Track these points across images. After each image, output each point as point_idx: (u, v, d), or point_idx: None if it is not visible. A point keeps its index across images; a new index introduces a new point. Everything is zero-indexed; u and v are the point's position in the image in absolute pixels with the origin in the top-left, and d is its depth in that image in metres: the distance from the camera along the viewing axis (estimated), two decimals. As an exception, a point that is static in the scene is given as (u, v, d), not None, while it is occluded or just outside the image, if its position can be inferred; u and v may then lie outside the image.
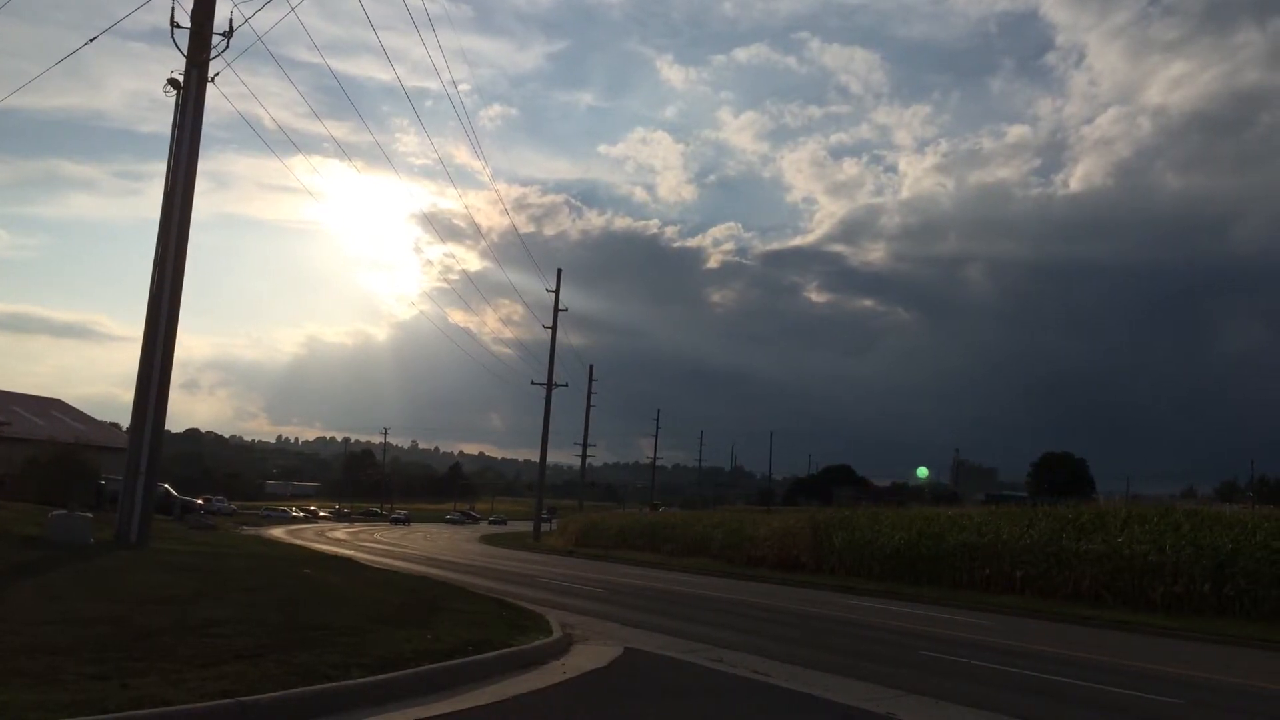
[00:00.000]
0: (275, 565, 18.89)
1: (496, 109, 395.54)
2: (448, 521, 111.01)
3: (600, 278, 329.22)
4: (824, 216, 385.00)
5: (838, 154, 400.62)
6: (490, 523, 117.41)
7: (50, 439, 42.39)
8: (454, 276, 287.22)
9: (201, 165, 20.69)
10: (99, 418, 63.47)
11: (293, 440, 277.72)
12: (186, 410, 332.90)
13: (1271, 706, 12.12)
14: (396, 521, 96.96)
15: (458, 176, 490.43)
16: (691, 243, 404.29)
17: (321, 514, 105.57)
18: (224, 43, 19.93)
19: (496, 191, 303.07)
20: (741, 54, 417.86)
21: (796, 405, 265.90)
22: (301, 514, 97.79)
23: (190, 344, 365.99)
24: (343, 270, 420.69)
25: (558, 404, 66.23)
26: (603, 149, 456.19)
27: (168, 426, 21.06)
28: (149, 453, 19.14)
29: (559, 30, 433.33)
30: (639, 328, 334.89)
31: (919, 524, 32.61)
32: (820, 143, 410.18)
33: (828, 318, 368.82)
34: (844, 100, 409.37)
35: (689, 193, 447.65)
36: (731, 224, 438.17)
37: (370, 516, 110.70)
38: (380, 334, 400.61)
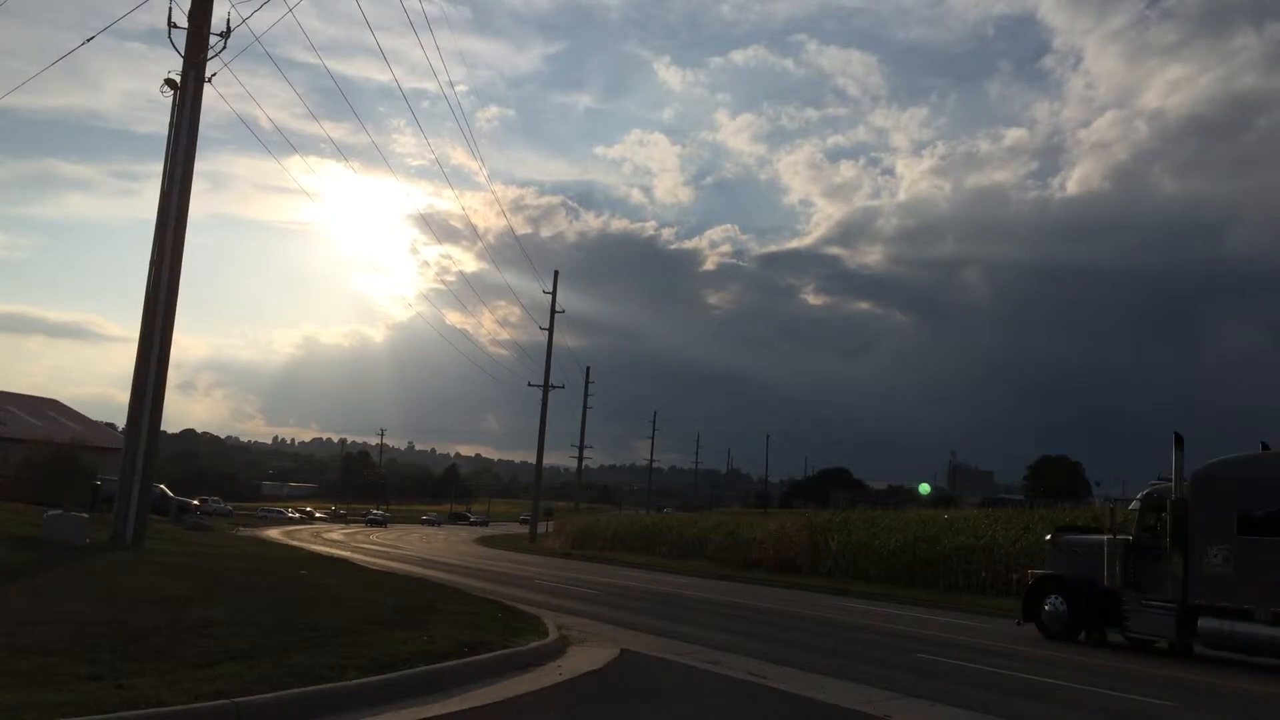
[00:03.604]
0: (271, 566, 18.86)
1: (494, 110, 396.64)
2: (424, 522, 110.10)
3: (597, 279, 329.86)
4: (821, 219, 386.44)
5: (835, 156, 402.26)
6: (472, 523, 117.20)
7: (46, 439, 42.26)
8: (451, 278, 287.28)
9: (198, 166, 20.71)
10: (95, 418, 63.42)
11: (289, 441, 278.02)
12: (183, 411, 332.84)
13: (1267, 710, 12.16)
14: (374, 523, 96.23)
15: (455, 177, 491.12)
16: (688, 244, 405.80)
17: (318, 515, 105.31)
18: (221, 43, 19.94)
19: (493, 193, 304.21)
20: (739, 56, 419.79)
21: (793, 408, 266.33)
22: (298, 515, 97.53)
23: (186, 344, 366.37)
24: (339, 271, 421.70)
25: (555, 406, 66.33)
26: (600, 150, 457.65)
27: (164, 427, 21.05)
28: (145, 453, 19.11)
29: (557, 32, 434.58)
30: (636, 330, 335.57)
31: (915, 527, 32.65)
32: (817, 145, 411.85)
33: (824, 320, 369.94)
34: (841, 103, 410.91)
35: (686, 194, 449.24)
36: (728, 226, 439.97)
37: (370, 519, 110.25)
38: (377, 335, 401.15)
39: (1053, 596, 18.54)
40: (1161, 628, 16.92)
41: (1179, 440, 17.17)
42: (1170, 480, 17.22)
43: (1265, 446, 16.87)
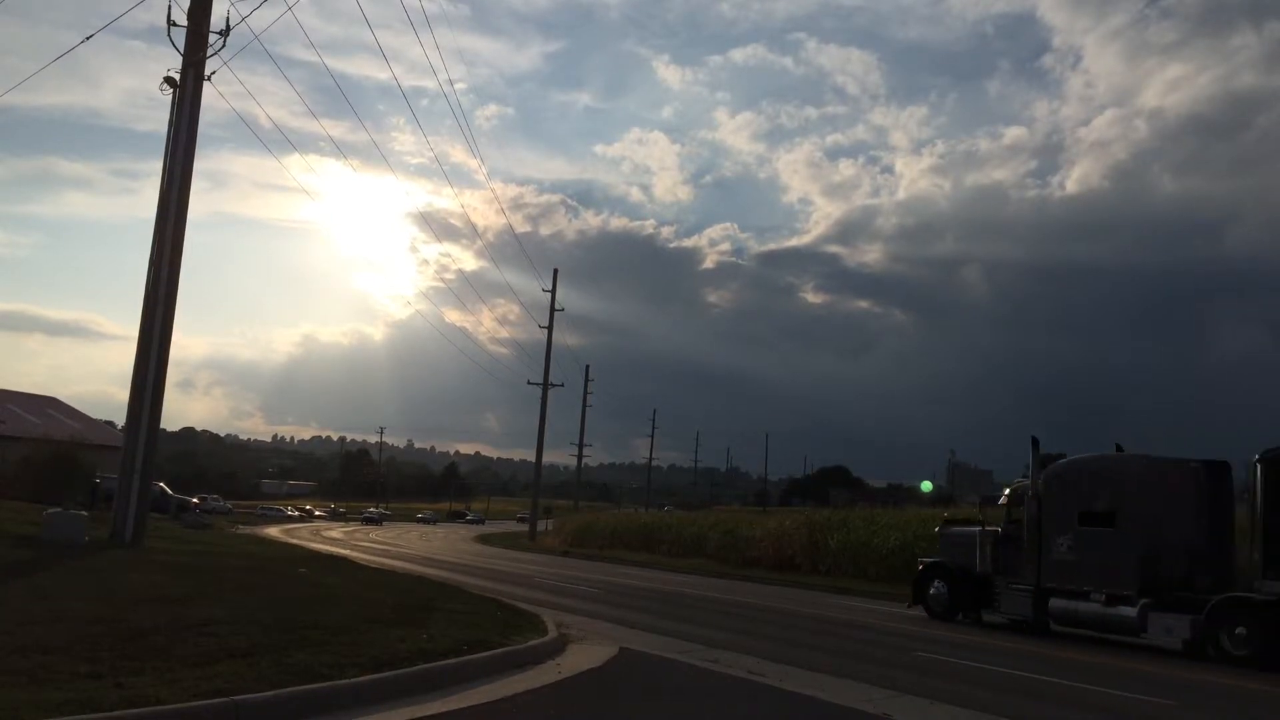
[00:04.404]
0: (270, 565, 18.85)
1: (493, 108, 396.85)
2: (419, 520, 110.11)
3: (596, 278, 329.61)
4: (820, 217, 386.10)
5: (834, 155, 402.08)
6: (468, 521, 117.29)
7: (45, 437, 42.24)
8: (450, 276, 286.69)
9: (197, 164, 20.68)
10: (94, 416, 63.39)
11: (288, 439, 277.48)
12: (182, 409, 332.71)
13: (1268, 710, 12.17)
14: (369, 521, 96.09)
15: (454, 176, 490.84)
16: (688, 243, 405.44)
17: (317, 513, 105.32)
18: (220, 41, 19.90)
19: (493, 191, 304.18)
20: (738, 54, 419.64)
21: (792, 406, 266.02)
22: (297, 513, 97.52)
23: (186, 343, 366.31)
24: (339, 269, 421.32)
25: (554, 404, 66.29)
26: (599, 149, 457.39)
27: (163, 425, 21.01)
28: (144, 451, 19.09)
29: (556, 30, 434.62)
30: (635, 328, 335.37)
31: (914, 525, 32.59)
32: (816, 144, 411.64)
33: (824, 319, 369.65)
34: (840, 101, 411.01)
35: (685, 193, 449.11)
36: (727, 224, 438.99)
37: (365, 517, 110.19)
38: (376, 333, 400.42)
39: (937, 581, 20.83)
40: (1022, 608, 18.99)
41: (1035, 443, 19.40)
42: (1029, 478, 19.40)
43: (1119, 448, 18.87)
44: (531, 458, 68.09)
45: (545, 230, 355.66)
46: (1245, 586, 16.21)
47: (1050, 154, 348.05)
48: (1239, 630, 15.62)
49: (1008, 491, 20.92)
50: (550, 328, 63.43)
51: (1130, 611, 17.02)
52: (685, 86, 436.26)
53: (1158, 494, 17.76)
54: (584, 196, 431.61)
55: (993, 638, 17.58)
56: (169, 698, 6.37)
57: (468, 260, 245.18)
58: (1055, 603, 18.30)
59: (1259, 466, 16.32)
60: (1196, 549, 17.40)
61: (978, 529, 20.53)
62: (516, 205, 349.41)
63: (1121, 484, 17.91)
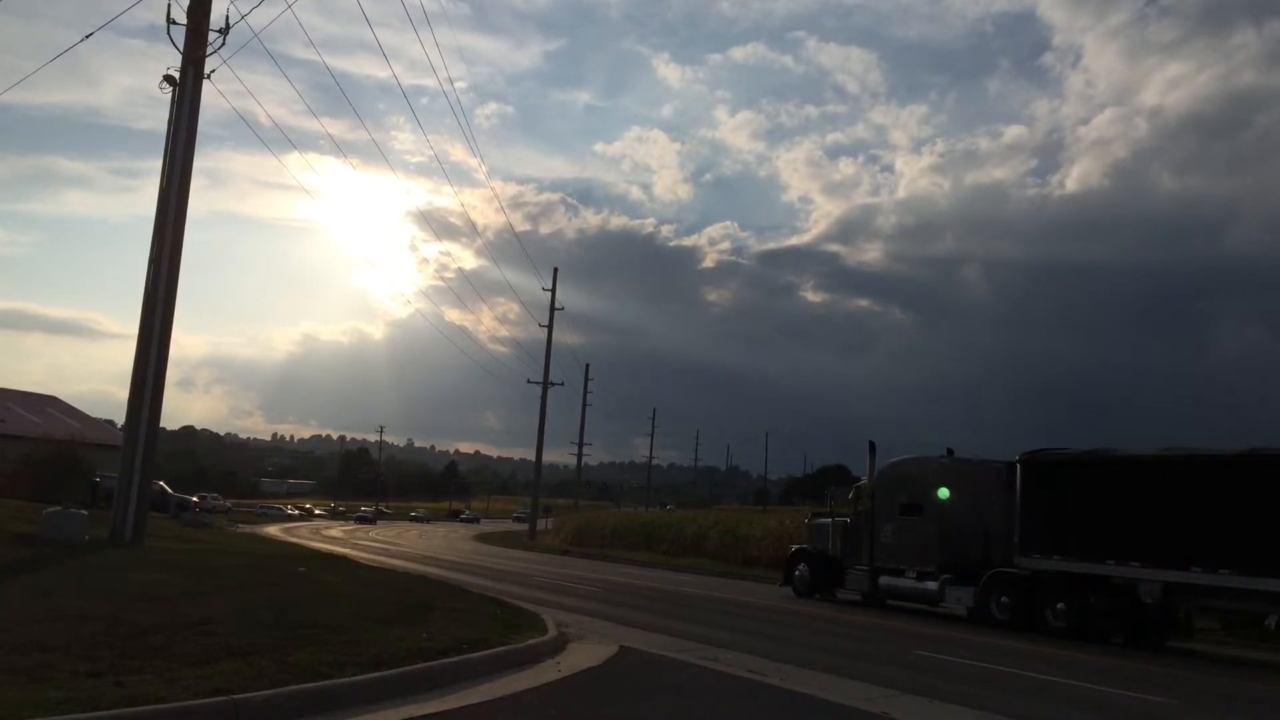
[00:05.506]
0: (270, 563, 18.85)
1: (493, 107, 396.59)
2: (413, 519, 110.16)
3: (596, 276, 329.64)
4: (820, 216, 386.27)
5: (834, 154, 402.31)
6: (463, 519, 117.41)
7: (45, 436, 42.26)
8: (450, 275, 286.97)
9: (197, 162, 20.65)
10: (94, 415, 63.33)
11: (288, 438, 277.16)
12: (182, 408, 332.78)
13: (1269, 710, 12.18)
14: (363, 520, 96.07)
15: (454, 174, 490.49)
16: (687, 242, 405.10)
17: (317, 512, 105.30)
18: (220, 39, 19.86)
19: (492, 189, 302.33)
20: (738, 53, 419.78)
21: (792, 405, 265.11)
22: (297, 512, 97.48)
23: (185, 341, 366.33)
24: (338, 268, 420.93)
25: (554, 403, 66.23)
26: (599, 147, 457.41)
27: (163, 424, 20.99)
28: (144, 450, 19.07)
29: (556, 29, 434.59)
30: (635, 327, 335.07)
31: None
32: (816, 142, 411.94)
33: (823, 318, 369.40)
34: (840, 100, 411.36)
35: (685, 192, 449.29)
36: (727, 223, 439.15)
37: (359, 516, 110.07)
38: (376, 332, 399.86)
39: (801, 565, 24.24)
40: (862, 585, 22.44)
41: (872, 446, 22.77)
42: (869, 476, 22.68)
43: (950, 452, 21.92)
44: (531, 457, 68.09)
45: (545, 229, 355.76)
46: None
47: (1050, 153, 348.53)
48: (1003, 599, 19.05)
49: (855, 487, 23.97)
50: (550, 326, 63.42)
51: (933, 585, 20.44)
52: (685, 85, 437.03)
53: (959, 489, 20.99)
54: (584, 195, 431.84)
55: (991, 637, 17.59)
56: (169, 696, 6.37)
57: (467, 259, 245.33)
58: (883, 580, 21.78)
59: (1018, 466, 19.52)
60: (995, 533, 20.25)
61: (830, 519, 24.05)
62: (516, 204, 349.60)
63: (928, 481, 21.30)
